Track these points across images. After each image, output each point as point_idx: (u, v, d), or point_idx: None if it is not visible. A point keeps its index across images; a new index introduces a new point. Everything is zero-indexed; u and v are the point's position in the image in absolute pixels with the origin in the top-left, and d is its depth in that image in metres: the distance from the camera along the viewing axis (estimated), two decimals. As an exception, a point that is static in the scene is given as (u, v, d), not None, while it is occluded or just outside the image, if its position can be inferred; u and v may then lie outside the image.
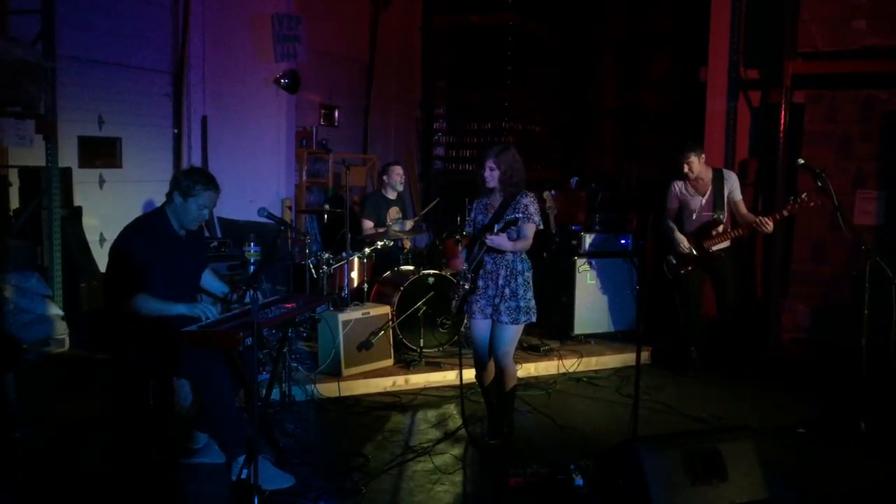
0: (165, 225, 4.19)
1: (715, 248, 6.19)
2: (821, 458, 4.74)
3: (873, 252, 5.09)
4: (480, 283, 4.68)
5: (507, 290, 4.62)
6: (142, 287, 4.01)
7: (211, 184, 4.18)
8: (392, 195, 7.25)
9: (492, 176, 4.64)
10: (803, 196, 5.78)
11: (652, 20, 10.87)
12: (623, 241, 7.17)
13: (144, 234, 4.12)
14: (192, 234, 4.36)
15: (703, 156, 6.24)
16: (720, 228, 6.17)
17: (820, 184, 5.20)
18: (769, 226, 5.91)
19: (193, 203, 4.14)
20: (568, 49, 11.42)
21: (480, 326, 4.77)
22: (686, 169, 6.19)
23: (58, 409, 5.11)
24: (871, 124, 7.08)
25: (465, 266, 4.75)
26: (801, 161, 5.50)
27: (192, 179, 4.14)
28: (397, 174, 7.23)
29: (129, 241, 4.10)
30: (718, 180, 6.22)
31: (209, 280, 4.55)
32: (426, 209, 7.52)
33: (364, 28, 10.47)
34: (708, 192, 6.22)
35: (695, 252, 6.19)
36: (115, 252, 4.15)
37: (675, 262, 6.29)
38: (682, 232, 6.30)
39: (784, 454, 4.71)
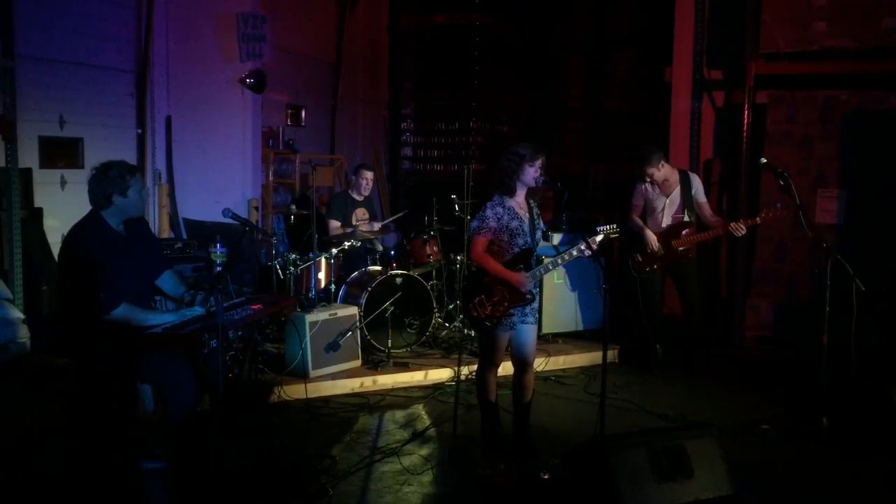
0: (106, 228, 4.13)
1: (682, 248, 6.25)
2: (784, 454, 4.81)
3: (834, 251, 5.17)
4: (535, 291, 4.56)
5: (534, 293, 4.56)
6: (117, 297, 3.97)
7: (132, 167, 4.22)
8: (359, 196, 7.23)
9: (541, 175, 4.48)
10: (778, 205, 5.81)
11: (616, 21, 10.95)
12: (583, 241, 7.20)
13: (95, 238, 4.05)
14: (134, 229, 4.31)
15: (663, 162, 6.24)
16: (689, 230, 6.23)
17: (782, 183, 5.29)
18: (742, 231, 5.96)
19: (133, 192, 4.14)
20: (533, 49, 11.47)
21: (507, 337, 4.58)
22: (648, 180, 6.25)
23: (18, 414, 5.02)
24: (831, 125, 7.20)
25: (529, 277, 4.44)
26: (764, 161, 5.59)
27: (118, 174, 4.11)
28: (365, 179, 7.21)
29: (85, 248, 4.01)
30: (685, 182, 6.27)
31: (167, 281, 4.47)
32: (393, 217, 7.51)
33: (330, 28, 10.43)
34: (674, 193, 6.26)
35: (662, 251, 6.24)
36: (71, 258, 4.05)
37: (640, 259, 6.32)
38: None
39: (748, 451, 4.78)
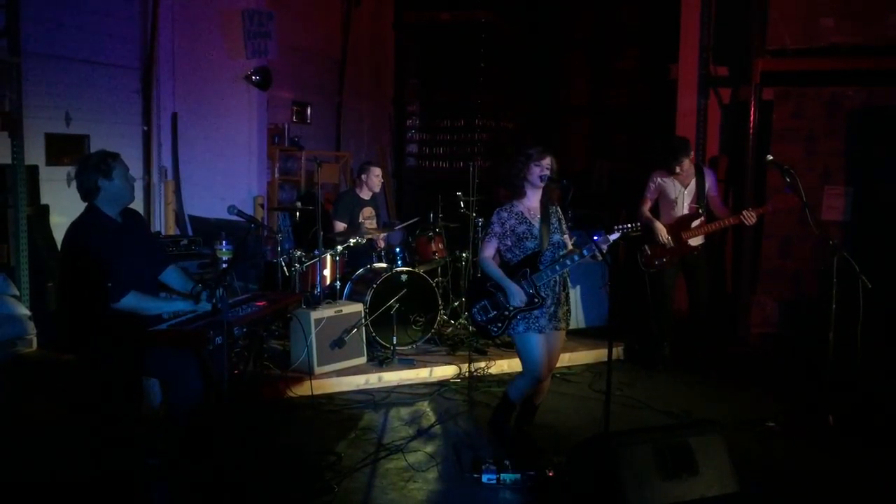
0: (106, 218, 4.11)
1: (691, 241, 6.24)
2: (789, 452, 4.80)
3: (839, 248, 5.16)
4: (544, 295, 4.42)
5: (562, 295, 4.51)
6: (124, 285, 3.96)
7: (112, 154, 4.20)
8: (366, 195, 7.19)
9: (548, 172, 4.42)
10: (786, 188, 5.81)
11: (621, 17, 10.94)
12: (595, 238, 7.20)
13: (97, 229, 4.05)
14: (132, 221, 4.30)
15: (693, 153, 6.32)
16: (700, 221, 6.22)
17: (788, 180, 5.27)
18: (753, 219, 5.97)
19: (118, 176, 4.11)
20: (538, 46, 11.46)
21: (543, 341, 4.45)
22: (678, 170, 6.23)
23: (25, 410, 5.05)
24: (837, 121, 7.17)
25: (527, 283, 4.35)
26: (770, 157, 5.56)
27: (99, 160, 4.11)
28: (376, 176, 7.14)
29: (87, 240, 4.00)
30: (700, 174, 6.30)
31: (174, 277, 4.45)
32: (404, 224, 7.47)
33: (336, 24, 10.44)
34: (691, 185, 6.27)
35: (672, 243, 6.22)
36: (74, 253, 4.04)
37: (649, 252, 6.30)
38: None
39: (753, 448, 4.77)
